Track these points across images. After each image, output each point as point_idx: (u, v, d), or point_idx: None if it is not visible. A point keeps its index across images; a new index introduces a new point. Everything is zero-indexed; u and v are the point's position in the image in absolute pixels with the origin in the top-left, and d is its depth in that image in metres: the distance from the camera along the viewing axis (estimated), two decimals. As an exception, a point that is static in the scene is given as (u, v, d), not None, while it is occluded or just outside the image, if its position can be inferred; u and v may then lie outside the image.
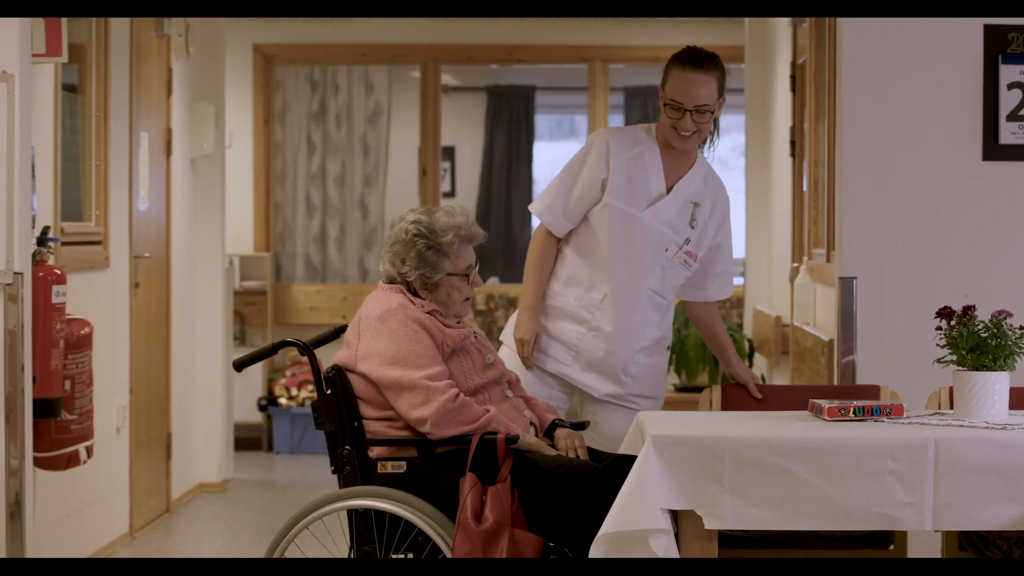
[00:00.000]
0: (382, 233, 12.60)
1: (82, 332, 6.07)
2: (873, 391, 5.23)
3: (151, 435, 8.44)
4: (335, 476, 4.96)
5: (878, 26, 5.93)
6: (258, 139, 11.81)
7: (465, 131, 13.09)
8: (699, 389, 8.83)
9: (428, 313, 4.95)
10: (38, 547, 6.17)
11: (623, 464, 4.75)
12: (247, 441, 10.92)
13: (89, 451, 6.15)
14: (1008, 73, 5.88)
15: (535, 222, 5.54)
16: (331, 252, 12.22)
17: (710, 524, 4.40)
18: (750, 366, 8.94)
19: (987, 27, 5.87)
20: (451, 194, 12.82)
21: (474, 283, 5.08)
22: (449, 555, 4.73)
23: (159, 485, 8.61)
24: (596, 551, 4.40)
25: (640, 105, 13.02)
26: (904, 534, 5.04)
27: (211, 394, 9.61)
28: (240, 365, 5.24)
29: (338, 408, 4.91)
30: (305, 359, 5.28)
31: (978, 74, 5.90)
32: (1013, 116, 5.88)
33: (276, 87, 12.03)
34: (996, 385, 4.67)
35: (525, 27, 11.63)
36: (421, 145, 11.74)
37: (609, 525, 4.38)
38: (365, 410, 4.92)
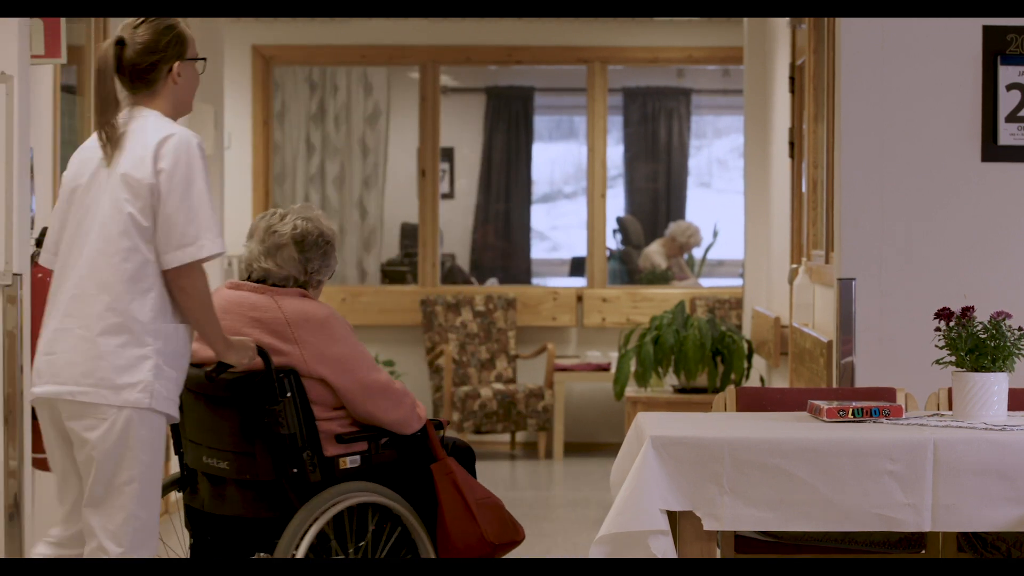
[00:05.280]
0: (381, 234, 12.59)
1: (81, 333, 6.06)
2: (889, 393, 5.17)
3: (150, 436, 8.42)
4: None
5: (877, 27, 5.93)
6: (257, 140, 11.81)
7: (464, 132, 13.09)
8: (698, 390, 8.80)
9: None
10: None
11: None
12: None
13: (88, 452, 6.13)
14: (1007, 74, 5.88)
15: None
16: (330, 253, 12.20)
17: (709, 525, 4.40)
18: (749, 367, 8.91)
19: (986, 28, 5.88)
20: (450, 195, 12.81)
21: None
22: (426, 544, 4.82)
23: (158, 486, 8.59)
24: (596, 552, 4.40)
25: (639, 106, 13.03)
26: (936, 537, 5.01)
27: (210, 395, 9.59)
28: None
29: (297, 411, 4.85)
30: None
31: (977, 75, 5.90)
32: (1012, 117, 5.88)
33: (275, 88, 12.03)
34: (995, 386, 4.67)
35: (524, 28, 11.63)
36: (420, 146, 11.74)
37: (608, 526, 4.38)
38: (316, 411, 4.92)
